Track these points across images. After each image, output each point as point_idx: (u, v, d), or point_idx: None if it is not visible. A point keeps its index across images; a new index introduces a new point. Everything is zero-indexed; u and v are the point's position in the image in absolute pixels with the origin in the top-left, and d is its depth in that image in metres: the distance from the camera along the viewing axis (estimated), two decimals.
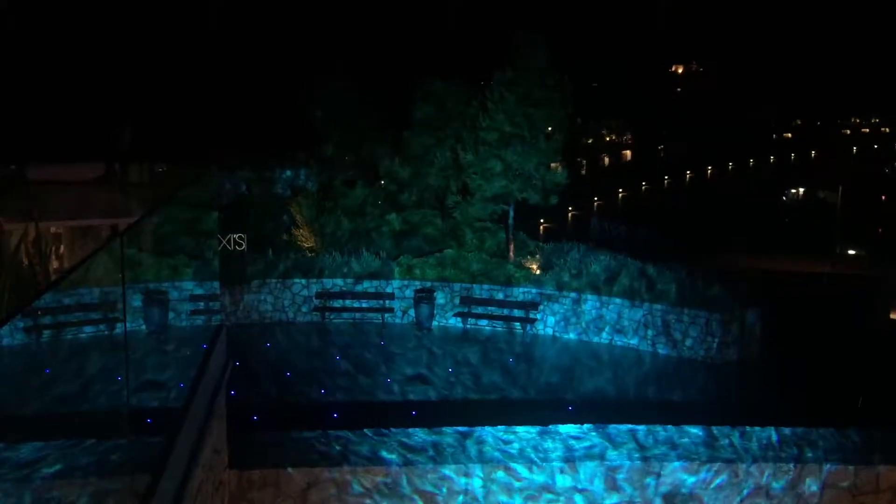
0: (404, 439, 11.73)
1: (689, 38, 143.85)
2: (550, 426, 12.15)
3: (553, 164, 24.14)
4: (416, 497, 10.97)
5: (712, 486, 11.23)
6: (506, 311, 22.37)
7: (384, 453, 11.27)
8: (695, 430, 12.08)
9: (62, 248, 24.98)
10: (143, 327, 20.54)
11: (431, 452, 11.36)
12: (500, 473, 11.12)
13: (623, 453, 11.38)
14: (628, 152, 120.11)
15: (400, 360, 19.45)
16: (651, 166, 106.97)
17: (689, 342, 20.33)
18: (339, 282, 23.03)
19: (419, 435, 11.89)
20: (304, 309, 22.82)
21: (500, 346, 20.85)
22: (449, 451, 11.41)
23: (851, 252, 57.09)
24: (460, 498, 11.02)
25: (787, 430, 12.19)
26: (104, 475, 7.20)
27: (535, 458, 11.26)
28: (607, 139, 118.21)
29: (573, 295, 21.84)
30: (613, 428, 12.05)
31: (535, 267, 23.32)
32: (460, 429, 12.00)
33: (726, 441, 11.80)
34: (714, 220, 65.12)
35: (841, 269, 48.19)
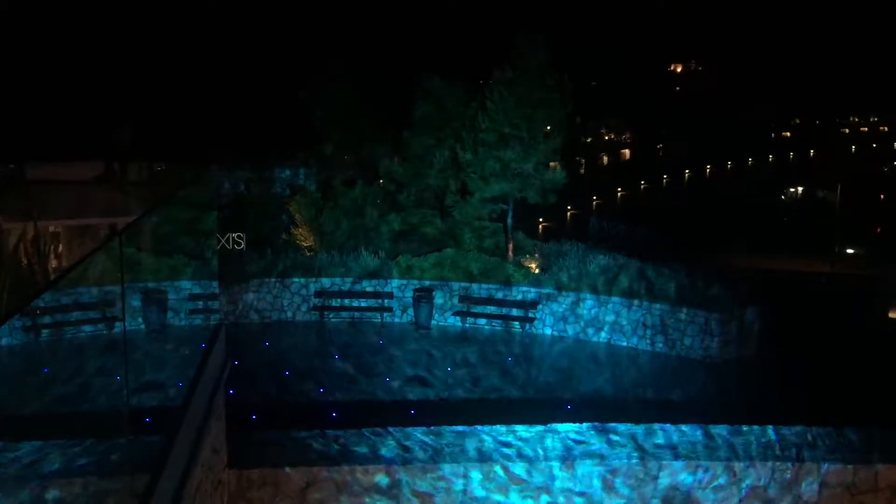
0: (403, 439, 11.74)
1: (687, 37, 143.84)
2: (549, 425, 12.16)
3: (552, 164, 24.15)
4: (414, 497, 10.98)
5: (710, 485, 11.25)
6: (504, 311, 22.38)
7: (383, 452, 11.28)
8: (693, 430, 12.10)
9: (61, 247, 24.99)
10: (143, 326, 20.58)
11: (430, 452, 11.37)
12: (499, 473, 11.13)
13: (621, 453, 11.38)
14: (627, 151, 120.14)
15: (399, 359, 19.46)
16: (650, 165, 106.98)
17: (687, 341, 20.34)
18: (338, 281, 23.02)
19: (418, 434, 11.90)
20: (303, 308, 22.82)
21: (499, 346, 20.86)
22: (447, 450, 11.42)
23: (850, 251, 57.12)
24: (458, 498, 11.03)
25: (785, 430, 12.20)
26: (103, 474, 7.21)
27: (534, 458, 11.27)
28: (606, 138, 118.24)
29: (572, 294, 21.84)
30: (612, 427, 12.06)
31: (533, 266, 23.33)
32: (459, 428, 12.02)
33: (724, 441, 11.82)
34: (713, 219, 65.15)
35: (840, 268, 48.22)
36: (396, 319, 22.74)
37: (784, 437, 11.96)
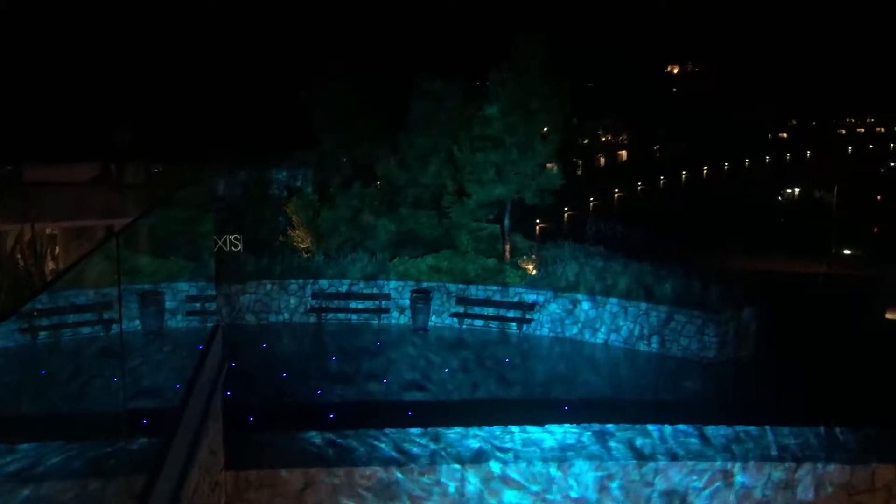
0: (400, 440, 11.74)
1: (684, 38, 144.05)
2: (546, 426, 12.18)
3: (549, 165, 24.17)
4: (410, 499, 10.99)
5: (706, 486, 11.26)
6: (502, 312, 22.39)
7: (380, 454, 11.28)
8: (689, 431, 12.11)
9: (58, 249, 24.95)
10: (140, 328, 20.57)
11: (427, 453, 11.38)
12: (496, 475, 11.14)
13: (618, 455, 11.40)
14: (624, 152, 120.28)
15: (396, 360, 19.47)
16: (647, 166, 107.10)
17: (684, 342, 20.36)
18: (336, 283, 23.03)
19: (415, 436, 11.90)
20: (300, 310, 22.82)
21: (497, 348, 20.87)
22: (444, 452, 11.42)
23: (847, 252, 57.20)
24: (454, 499, 11.03)
25: (781, 430, 12.22)
26: (100, 476, 7.20)
27: (531, 460, 11.28)
28: (603, 139, 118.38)
29: (569, 295, 21.87)
30: (608, 429, 12.07)
31: (531, 267, 23.35)
32: (456, 429, 12.02)
33: (721, 441, 11.83)
34: (710, 220, 65.22)
35: (837, 269, 48.30)
36: (394, 321, 22.75)
37: (780, 438, 11.98)
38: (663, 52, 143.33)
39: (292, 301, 22.89)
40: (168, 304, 21.35)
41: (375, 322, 22.63)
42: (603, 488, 11.18)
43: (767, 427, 12.25)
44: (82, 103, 32.77)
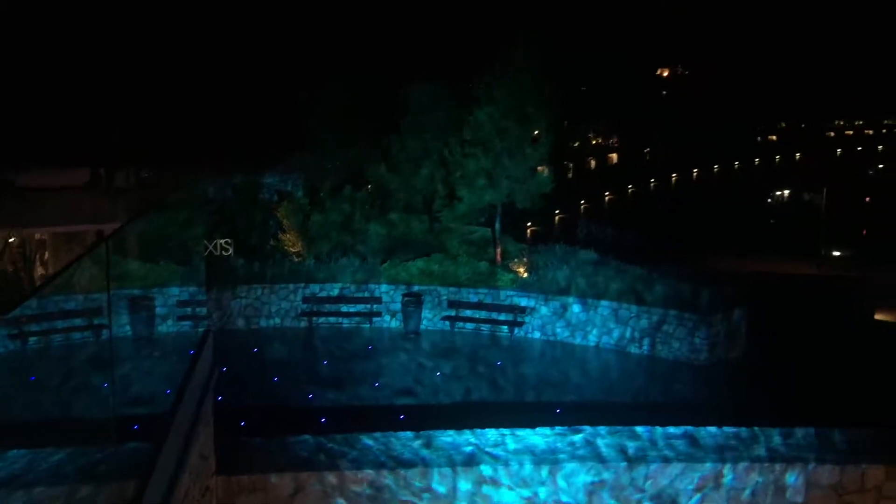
0: (392, 444, 11.74)
1: (674, 41, 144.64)
2: (537, 429, 12.20)
3: (540, 168, 24.22)
4: (401, 503, 10.98)
5: (697, 487, 11.30)
6: (493, 315, 22.41)
7: (371, 458, 11.27)
8: (680, 433, 12.16)
9: (47, 254, 24.86)
10: (130, 333, 20.53)
11: (419, 457, 11.38)
12: (486, 478, 11.15)
13: (608, 457, 11.43)
14: (615, 155, 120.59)
15: (388, 364, 19.45)
16: (637, 169, 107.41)
17: (675, 344, 20.42)
18: (327, 287, 23.01)
19: (407, 439, 11.90)
20: (291, 314, 22.79)
21: (488, 351, 20.87)
22: (436, 455, 11.43)
23: (836, 253, 57.49)
24: (446, 502, 11.04)
25: (772, 431, 12.27)
26: (91, 482, 7.18)
27: (522, 462, 11.29)
28: (594, 142, 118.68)
29: (560, 298, 21.91)
30: (599, 430, 12.10)
31: (522, 270, 23.38)
32: (448, 433, 12.03)
33: (711, 442, 11.88)
34: (700, 222, 65.44)
35: (826, 270, 48.57)
36: (385, 324, 22.73)
37: (771, 439, 12.03)
38: (653, 55, 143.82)
39: (283, 305, 22.85)
40: (158, 309, 21.31)
41: (367, 326, 22.62)
42: (593, 491, 11.21)
43: (757, 428, 12.31)
44: (72, 107, 32.64)
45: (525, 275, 23.16)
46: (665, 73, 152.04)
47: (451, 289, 22.79)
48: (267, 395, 16.98)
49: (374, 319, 22.74)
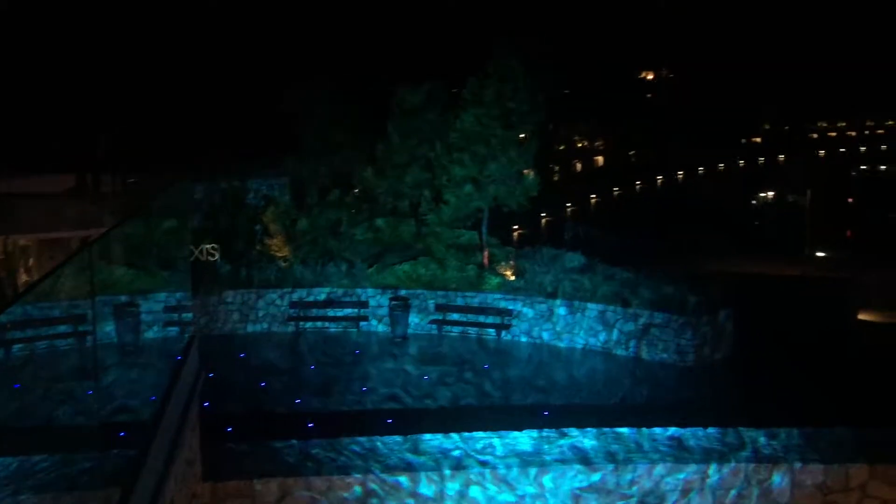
0: (379, 448, 11.73)
1: (659, 45, 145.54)
2: (525, 431, 12.23)
3: (526, 171, 24.28)
4: None
5: (683, 487, 11.36)
6: (480, 319, 22.43)
7: (359, 463, 11.26)
8: (666, 433, 12.22)
9: (32, 260, 24.69)
10: (115, 339, 20.37)
11: (406, 461, 11.38)
12: (475, 481, 11.16)
13: (595, 458, 11.47)
14: (600, 158, 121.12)
15: (375, 368, 19.44)
16: (623, 171, 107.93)
17: (661, 346, 20.51)
18: (314, 291, 22.97)
19: (394, 444, 11.90)
20: (278, 319, 22.73)
21: (476, 354, 20.90)
22: (423, 459, 11.43)
23: (821, 254, 57.91)
24: None
25: (757, 431, 12.36)
26: (74, 490, 7.13)
27: (510, 465, 11.32)
28: (579, 145, 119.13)
29: (547, 301, 21.97)
30: (586, 432, 12.14)
31: (509, 273, 23.42)
32: (435, 436, 12.03)
33: (697, 443, 11.95)
34: (686, 224, 65.77)
35: (811, 271, 48.88)
36: (373, 328, 22.72)
37: (756, 439, 12.11)
38: (638, 58, 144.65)
39: (270, 310, 22.79)
40: (144, 316, 21.18)
41: (354, 330, 22.59)
42: (580, 493, 11.25)
43: (742, 429, 12.39)
44: (57, 113, 32.45)
45: (512, 278, 23.21)
46: (650, 76, 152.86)
47: (439, 292, 22.80)
48: (254, 400, 16.93)
49: (362, 324, 22.72)
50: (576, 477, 11.23)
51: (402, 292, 22.77)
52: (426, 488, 11.04)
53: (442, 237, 24.81)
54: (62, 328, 18.62)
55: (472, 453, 11.61)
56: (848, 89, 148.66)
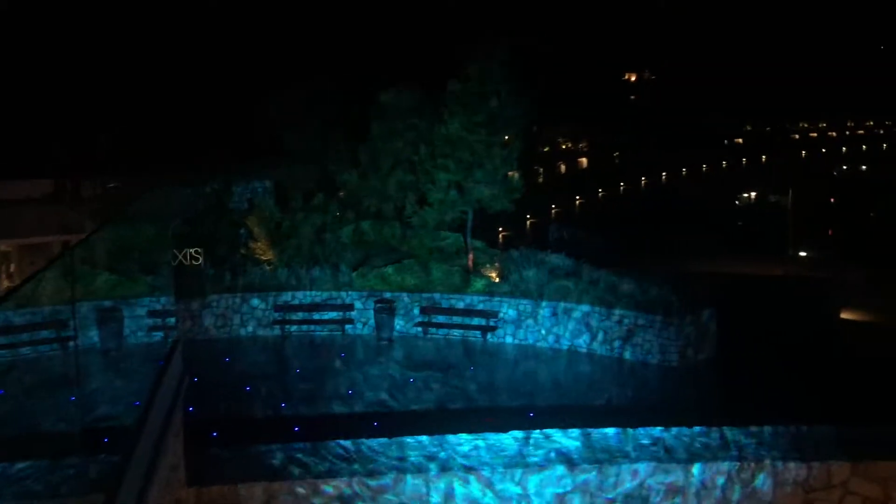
0: (365, 451, 11.71)
1: (642, 46, 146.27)
2: (510, 432, 12.25)
3: (511, 173, 24.33)
4: None
5: (667, 487, 11.41)
6: (466, 320, 22.46)
7: (344, 466, 11.24)
8: (650, 433, 12.28)
9: (13, 266, 24.50)
10: (98, 344, 20.28)
11: (392, 464, 11.37)
12: (461, 483, 11.17)
13: (579, 458, 11.51)
14: (584, 160, 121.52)
15: (360, 371, 19.42)
16: (607, 173, 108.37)
17: (646, 346, 20.62)
18: (299, 294, 22.92)
19: (380, 446, 11.88)
20: (263, 322, 22.66)
21: (461, 356, 20.93)
22: (409, 462, 11.43)
23: (803, 254, 58.38)
24: None
25: (740, 430, 12.44)
26: (57, 496, 7.09)
27: (495, 467, 11.34)
28: (563, 147, 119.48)
29: (532, 302, 22.02)
30: (569, 433, 12.18)
31: (494, 275, 23.46)
32: (421, 439, 12.03)
33: (680, 443, 12.01)
34: (669, 225, 66.14)
35: (793, 270, 49.27)
36: (358, 331, 22.69)
37: (739, 438, 12.20)
38: (621, 60, 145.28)
39: (255, 314, 22.71)
40: (128, 320, 21.11)
41: (339, 333, 22.55)
42: (564, 494, 11.28)
43: (726, 428, 12.47)
44: (36, 118, 32.20)
45: (497, 279, 23.25)
46: (633, 78, 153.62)
47: (424, 295, 22.81)
48: (239, 404, 16.86)
49: (347, 327, 22.68)
50: (560, 478, 11.26)
51: (387, 295, 22.76)
52: (412, 490, 11.03)
53: (426, 240, 24.83)
54: (44, 333, 18.54)
55: (457, 456, 11.61)
56: (829, 90, 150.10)
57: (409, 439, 11.99)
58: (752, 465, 11.53)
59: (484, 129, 22.89)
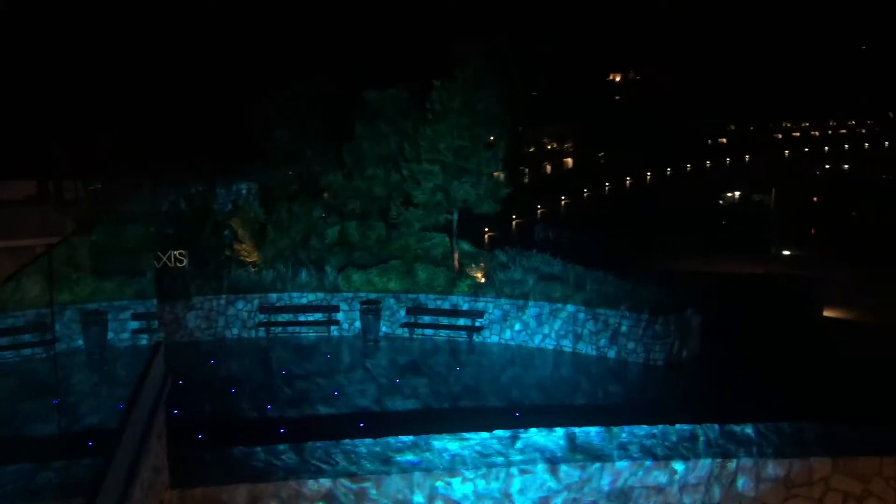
0: (349, 452, 11.71)
1: (626, 46, 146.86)
2: (494, 432, 12.28)
3: (496, 174, 24.36)
4: None
5: (650, 484, 11.48)
6: (452, 321, 22.48)
7: (328, 467, 11.23)
8: (634, 431, 12.34)
9: None
10: (83, 347, 20.15)
11: (376, 465, 11.37)
12: (443, 484, 11.19)
13: (563, 456, 11.56)
14: (570, 160, 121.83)
15: (346, 373, 19.39)
16: (592, 173, 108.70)
17: (631, 345, 20.71)
18: (284, 296, 22.85)
19: (364, 447, 11.88)
20: (249, 324, 22.58)
21: (447, 356, 20.94)
22: (394, 462, 11.43)
23: (787, 253, 58.81)
24: None
25: (722, 427, 12.53)
26: (35, 500, 7.04)
27: (478, 465, 11.36)
28: (549, 147, 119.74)
29: (518, 302, 22.07)
30: (554, 431, 12.23)
31: (479, 276, 23.49)
32: (405, 439, 12.04)
33: (664, 440, 12.08)
34: (654, 224, 66.43)
35: (776, 269, 49.64)
36: (344, 333, 22.66)
37: (721, 435, 12.29)
38: (605, 60, 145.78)
39: (241, 315, 22.63)
40: (112, 323, 20.99)
41: (325, 335, 22.51)
42: (550, 490, 11.32)
43: (708, 425, 12.56)
44: (17, 118, 31.91)
45: (483, 280, 23.28)
46: (617, 78, 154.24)
47: (409, 296, 22.81)
48: (224, 406, 16.79)
49: (333, 328, 22.64)
50: (544, 476, 11.30)
51: (373, 296, 22.74)
52: (395, 491, 11.04)
53: (412, 241, 24.81)
54: (27, 337, 18.39)
55: (441, 457, 11.63)
56: (811, 90, 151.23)
57: (392, 440, 12.00)
58: (734, 462, 11.63)
59: (469, 132, 22.92)
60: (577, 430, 12.25)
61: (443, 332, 22.38)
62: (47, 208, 24.75)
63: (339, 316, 22.73)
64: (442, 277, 23.21)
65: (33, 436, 7.95)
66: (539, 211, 77.30)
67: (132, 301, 21.48)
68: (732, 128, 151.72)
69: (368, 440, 12.04)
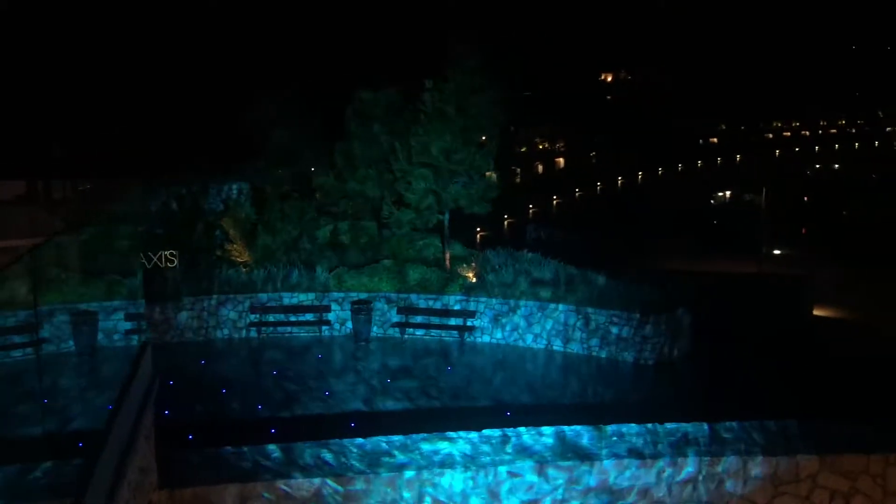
0: (339, 452, 11.70)
1: (618, 46, 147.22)
2: (483, 431, 12.29)
3: (487, 173, 24.37)
4: None
5: (640, 482, 11.51)
6: (443, 321, 22.50)
7: (318, 466, 11.23)
8: (623, 430, 12.38)
9: None
10: (73, 348, 20.06)
11: (366, 464, 11.37)
12: (432, 483, 11.20)
13: (554, 455, 11.58)
14: (561, 160, 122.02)
15: (337, 373, 19.38)
16: (584, 173, 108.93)
17: (622, 344, 20.76)
18: (275, 296, 22.82)
19: (354, 447, 11.88)
20: (239, 325, 22.54)
21: (438, 356, 20.94)
22: (383, 462, 11.44)
23: (778, 252, 58.98)
24: None
25: (711, 425, 12.58)
26: (24, 501, 7.02)
27: (467, 465, 11.37)
28: (540, 147, 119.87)
29: (510, 302, 22.10)
30: (543, 430, 12.26)
31: (471, 275, 23.50)
32: (394, 439, 12.04)
33: (653, 438, 12.12)
34: (645, 224, 66.59)
35: (767, 268, 49.80)
36: (335, 333, 22.65)
37: (710, 433, 12.33)
38: (597, 60, 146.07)
39: (231, 316, 22.59)
40: (102, 323, 20.93)
41: (316, 335, 22.49)
42: (540, 489, 11.35)
43: (697, 423, 12.60)
44: (6, 118, 31.80)
45: (474, 279, 23.29)
46: (609, 78, 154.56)
47: (401, 296, 22.81)
48: (214, 407, 16.76)
49: (324, 328, 22.63)
50: (533, 475, 11.32)
51: (364, 296, 22.73)
52: (384, 491, 11.04)
53: (403, 241, 24.81)
54: (15, 338, 18.30)
55: (431, 456, 11.64)
56: (802, 90, 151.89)
57: (382, 440, 12.00)
58: (722, 460, 11.68)
59: (461, 134, 22.92)
60: (566, 428, 12.28)
61: (434, 333, 22.40)
62: (36, 208, 24.63)
63: (331, 316, 22.72)
64: (433, 278, 23.22)
65: (20, 437, 7.91)
66: (531, 211, 77.36)
67: (124, 301, 21.42)
68: (724, 128, 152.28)
69: (357, 440, 12.03)
